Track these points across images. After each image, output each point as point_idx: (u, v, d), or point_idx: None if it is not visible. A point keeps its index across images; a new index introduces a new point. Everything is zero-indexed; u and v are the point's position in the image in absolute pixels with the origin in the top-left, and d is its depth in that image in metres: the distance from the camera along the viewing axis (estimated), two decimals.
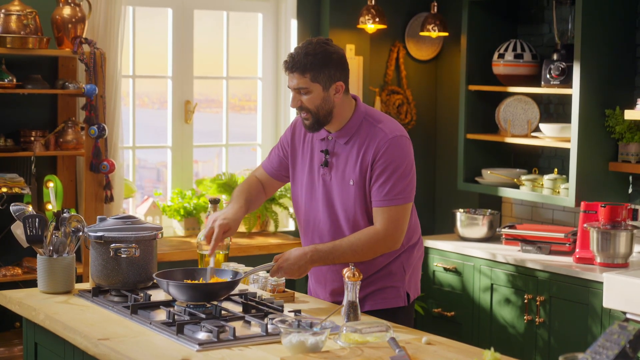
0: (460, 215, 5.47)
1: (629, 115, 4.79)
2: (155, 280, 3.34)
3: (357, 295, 3.11)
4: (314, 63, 3.34)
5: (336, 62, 3.38)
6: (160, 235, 3.50)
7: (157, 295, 3.41)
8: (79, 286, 3.64)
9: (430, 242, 5.47)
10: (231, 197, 3.63)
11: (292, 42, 5.80)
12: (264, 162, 3.75)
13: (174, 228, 5.59)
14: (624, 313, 4.32)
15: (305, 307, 3.34)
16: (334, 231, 3.47)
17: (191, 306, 3.13)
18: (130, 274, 3.40)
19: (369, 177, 3.38)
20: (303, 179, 3.56)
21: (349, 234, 3.42)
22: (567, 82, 5.10)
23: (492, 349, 2.55)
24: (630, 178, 5.13)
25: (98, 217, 3.54)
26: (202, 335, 2.88)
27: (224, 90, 5.84)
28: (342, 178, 3.43)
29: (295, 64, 3.35)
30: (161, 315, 3.16)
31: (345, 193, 3.42)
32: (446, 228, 5.99)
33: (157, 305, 3.25)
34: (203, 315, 3.05)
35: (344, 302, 3.11)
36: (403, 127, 3.47)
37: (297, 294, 3.56)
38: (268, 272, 3.44)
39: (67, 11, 4.84)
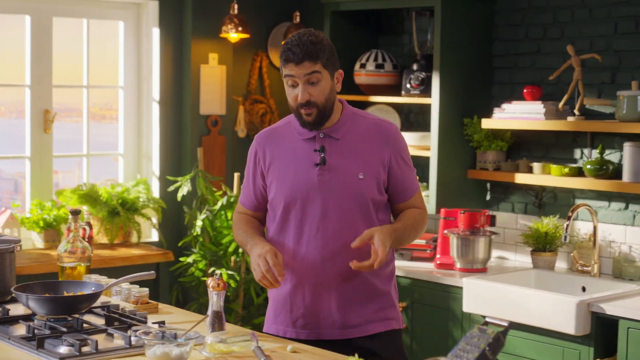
0: None
1: (486, 124, 4.93)
2: (14, 294, 3.26)
3: (222, 305, 3.10)
4: (323, 50, 3.16)
5: (334, 50, 3.23)
6: (18, 247, 3.42)
7: (16, 309, 3.32)
8: None
9: None
10: (244, 238, 3.33)
11: (154, 51, 5.74)
12: (240, 199, 3.45)
13: (33, 240, 5.45)
14: (484, 317, 4.42)
15: (169, 318, 3.31)
16: (344, 222, 3.24)
17: (52, 320, 3.06)
18: None
19: (388, 168, 3.28)
20: (290, 182, 3.28)
21: (362, 224, 3.23)
22: (426, 91, 5.20)
23: (357, 355, 2.58)
24: (488, 185, 5.27)
25: None
26: (63, 350, 2.82)
27: (84, 99, 5.73)
28: (345, 174, 3.23)
29: (306, 54, 3.12)
30: (21, 329, 3.08)
31: (351, 186, 3.22)
32: None
33: (16, 319, 3.16)
34: (64, 329, 2.99)
35: (209, 312, 3.09)
36: None
37: (160, 305, 3.53)
38: (131, 283, 3.39)
39: None
